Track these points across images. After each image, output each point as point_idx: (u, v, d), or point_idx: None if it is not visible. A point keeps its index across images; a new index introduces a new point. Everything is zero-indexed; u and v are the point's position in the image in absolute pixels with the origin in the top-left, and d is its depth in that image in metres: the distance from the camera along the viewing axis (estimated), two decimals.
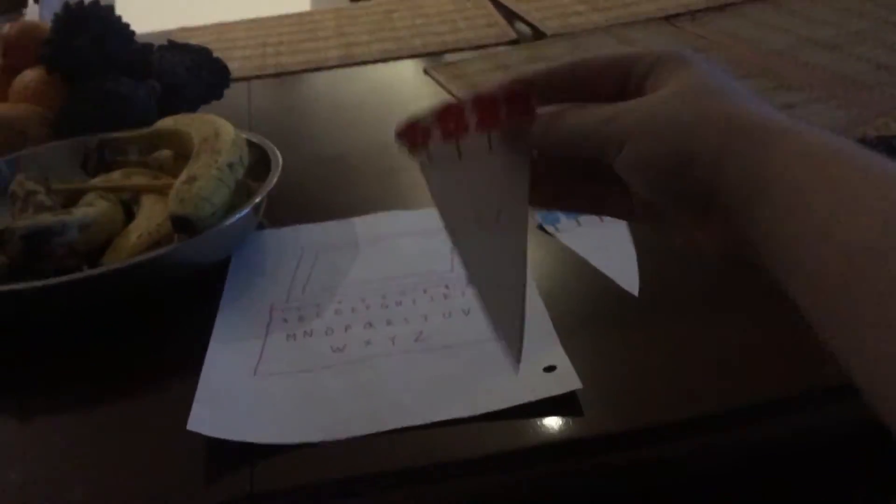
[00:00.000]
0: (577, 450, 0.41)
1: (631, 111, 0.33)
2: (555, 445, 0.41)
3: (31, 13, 1.34)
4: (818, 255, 0.27)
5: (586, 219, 0.60)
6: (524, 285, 0.37)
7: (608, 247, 0.56)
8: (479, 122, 0.36)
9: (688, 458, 0.41)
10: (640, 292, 0.51)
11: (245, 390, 0.46)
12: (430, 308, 0.51)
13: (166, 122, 0.68)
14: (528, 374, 0.44)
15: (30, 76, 0.80)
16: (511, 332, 0.37)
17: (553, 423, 0.42)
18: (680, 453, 0.41)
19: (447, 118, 0.36)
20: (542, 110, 0.36)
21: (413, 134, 0.37)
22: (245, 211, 0.56)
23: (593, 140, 0.34)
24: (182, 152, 0.64)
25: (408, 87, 0.99)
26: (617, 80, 0.36)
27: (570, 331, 0.47)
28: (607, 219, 0.59)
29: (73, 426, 0.47)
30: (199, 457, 0.41)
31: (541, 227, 0.59)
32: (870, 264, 0.25)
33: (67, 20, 0.76)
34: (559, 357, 0.45)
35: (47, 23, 0.82)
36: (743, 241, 0.31)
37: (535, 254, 0.56)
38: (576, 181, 0.39)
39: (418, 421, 0.42)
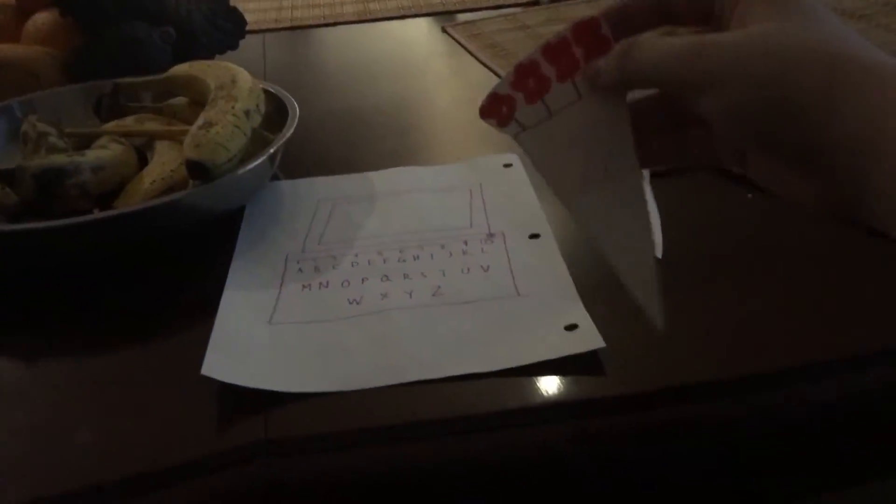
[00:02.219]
0: (598, 409, 0.40)
1: (722, 45, 0.30)
2: (575, 404, 0.40)
3: None
4: None
5: None
6: (650, 234, 0.34)
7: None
8: (559, 72, 0.34)
9: (710, 420, 0.40)
10: (662, 253, 0.50)
11: (260, 338, 0.45)
12: (448, 263, 0.50)
13: (181, 68, 0.66)
14: (550, 332, 0.43)
15: (42, 18, 0.78)
16: (647, 288, 0.36)
17: (574, 381, 0.41)
18: (702, 415, 0.40)
19: (524, 78, 0.34)
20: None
21: (497, 107, 0.34)
22: (261, 159, 0.55)
23: (675, 75, 0.31)
24: (197, 99, 0.63)
25: (425, 45, 0.98)
26: (700, 9, 0.33)
27: (592, 290, 0.46)
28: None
29: (85, 370, 0.46)
30: (213, 402, 0.41)
31: None
32: None
33: None
34: (581, 316, 0.44)
35: None
36: (850, 193, 0.28)
37: (558, 215, 0.55)
38: (650, 132, 0.36)
39: (435, 374, 0.41)
